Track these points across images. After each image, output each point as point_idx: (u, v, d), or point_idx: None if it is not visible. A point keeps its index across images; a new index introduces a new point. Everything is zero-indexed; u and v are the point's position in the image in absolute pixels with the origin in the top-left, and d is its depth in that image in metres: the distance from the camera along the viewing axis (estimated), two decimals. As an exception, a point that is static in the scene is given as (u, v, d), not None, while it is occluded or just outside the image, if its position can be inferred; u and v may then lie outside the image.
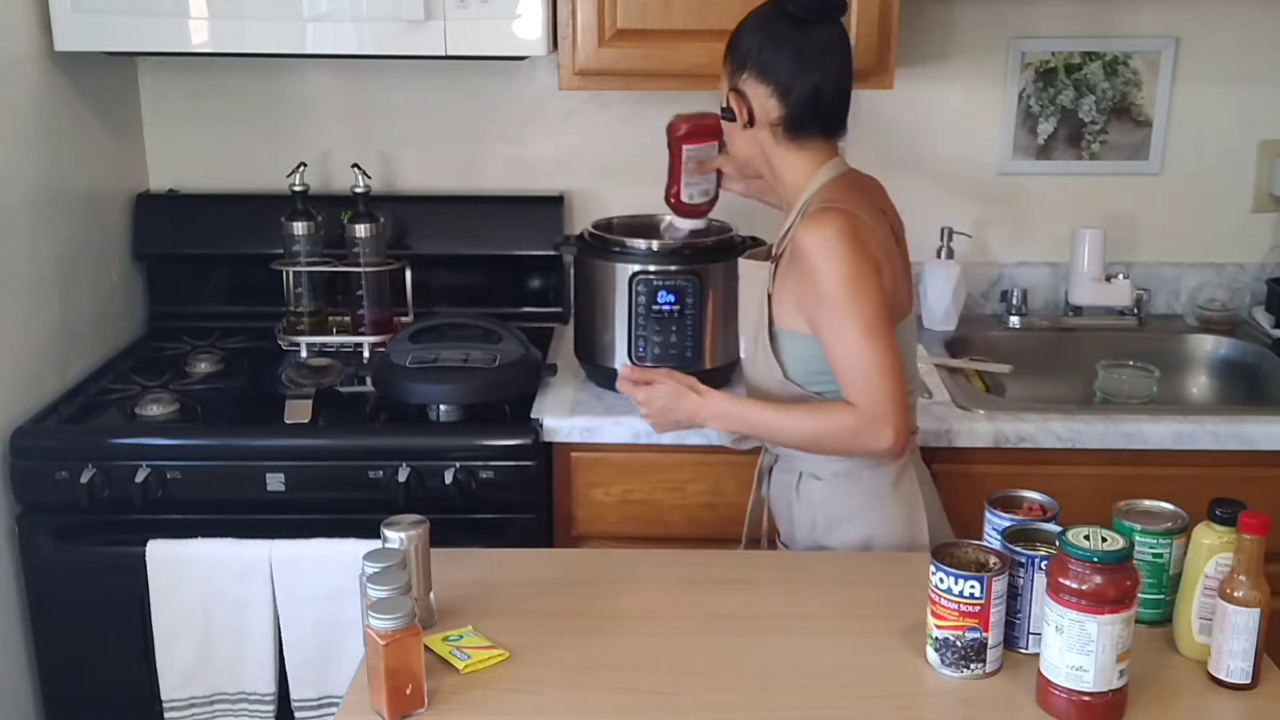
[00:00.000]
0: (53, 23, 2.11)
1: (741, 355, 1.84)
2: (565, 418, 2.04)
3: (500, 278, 2.55)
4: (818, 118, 1.68)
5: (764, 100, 1.68)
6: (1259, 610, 1.31)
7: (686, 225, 2.07)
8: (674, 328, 2.07)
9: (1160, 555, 1.42)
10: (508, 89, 2.54)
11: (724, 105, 1.73)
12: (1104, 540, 1.25)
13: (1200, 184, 2.56)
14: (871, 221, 1.66)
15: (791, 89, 1.66)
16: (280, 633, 1.95)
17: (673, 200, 2.03)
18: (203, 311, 2.55)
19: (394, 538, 1.41)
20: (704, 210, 2.06)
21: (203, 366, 2.27)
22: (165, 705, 1.99)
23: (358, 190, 2.36)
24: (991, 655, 1.34)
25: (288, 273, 2.38)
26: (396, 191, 2.58)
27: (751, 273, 1.78)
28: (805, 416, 1.66)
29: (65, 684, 2.08)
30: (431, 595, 1.46)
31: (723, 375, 2.15)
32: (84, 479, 1.96)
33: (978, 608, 1.31)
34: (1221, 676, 1.33)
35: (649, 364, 2.10)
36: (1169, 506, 1.45)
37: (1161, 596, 1.43)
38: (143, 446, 2.01)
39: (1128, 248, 2.56)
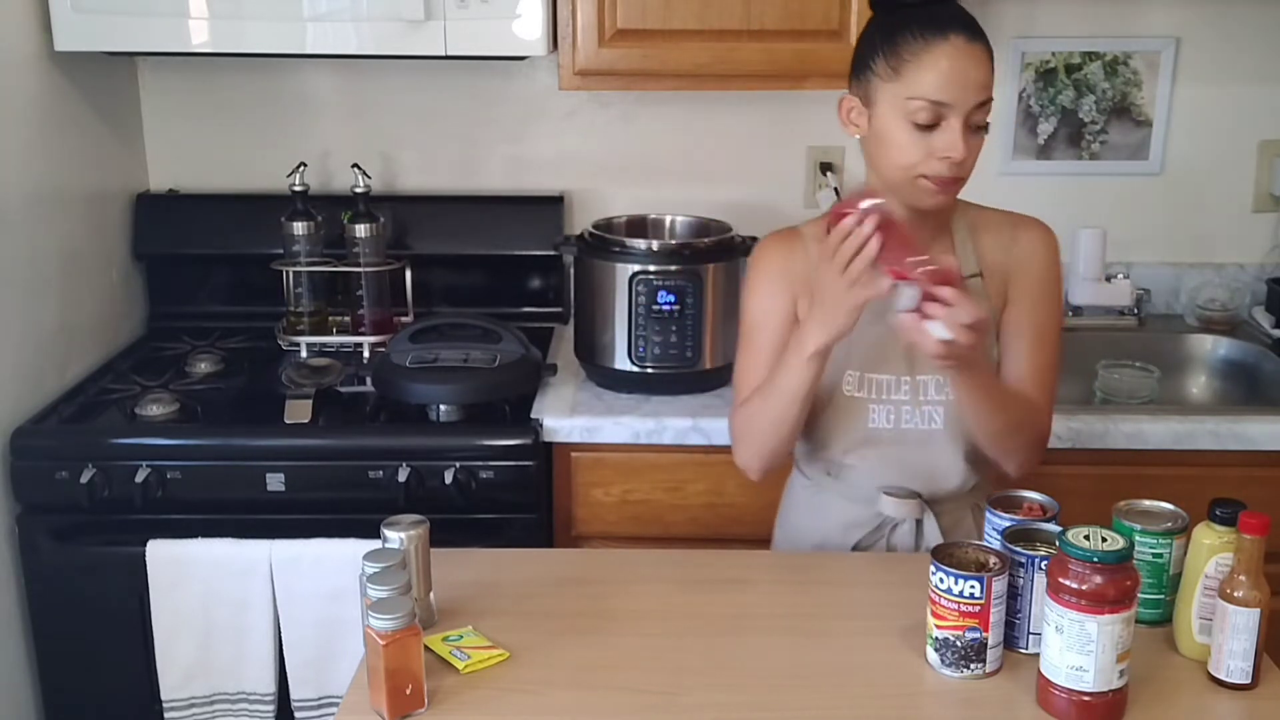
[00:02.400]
0: (53, 23, 2.11)
1: (952, 397, 1.61)
2: (565, 418, 2.04)
3: (500, 278, 2.55)
4: None
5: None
6: (1259, 610, 1.31)
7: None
8: (674, 328, 2.07)
9: (1160, 555, 1.42)
10: (508, 89, 2.54)
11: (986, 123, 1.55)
12: (1104, 540, 1.25)
13: (1200, 184, 2.56)
14: None
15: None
16: (280, 633, 1.96)
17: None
18: (203, 311, 2.55)
19: (394, 538, 1.41)
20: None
21: (203, 366, 2.27)
22: (165, 705, 2.00)
23: (358, 190, 2.36)
24: (991, 655, 1.34)
25: (288, 273, 2.38)
26: (396, 191, 2.58)
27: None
28: (1020, 400, 1.59)
29: (65, 684, 2.08)
30: (431, 595, 1.46)
31: (722, 375, 2.15)
32: (84, 479, 1.96)
33: (978, 608, 1.31)
34: (1221, 676, 1.33)
35: (650, 366, 2.10)
36: (1169, 506, 1.45)
37: (1161, 596, 1.43)
38: (143, 446, 2.01)
39: (1128, 248, 2.56)
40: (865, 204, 1.44)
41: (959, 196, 1.58)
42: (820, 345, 1.51)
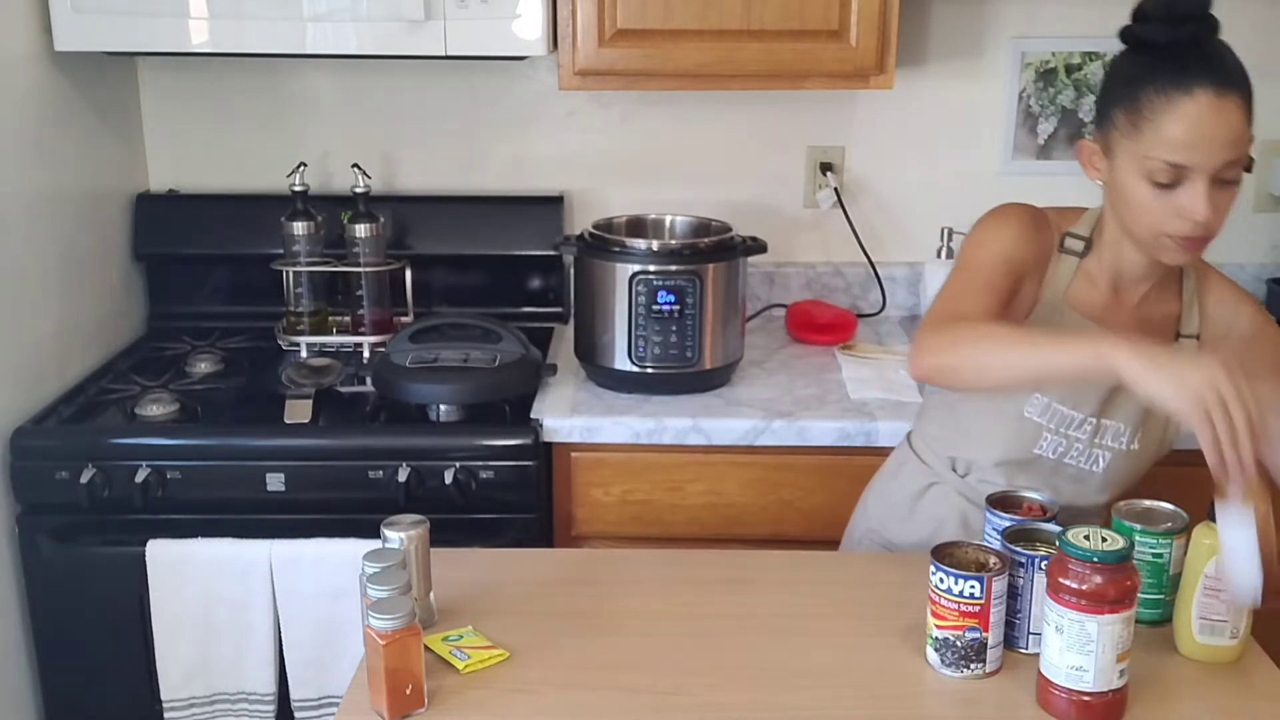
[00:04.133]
0: (53, 23, 2.11)
1: (1132, 447, 1.60)
2: (565, 418, 2.04)
3: (500, 278, 2.55)
4: None
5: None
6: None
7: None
8: (674, 328, 2.07)
9: (1160, 555, 1.42)
10: (508, 89, 2.54)
11: (1252, 159, 1.48)
12: (1104, 540, 1.25)
13: (1200, 184, 2.56)
14: None
15: None
16: (280, 633, 1.95)
17: None
18: (203, 311, 2.55)
19: (394, 538, 1.41)
20: None
21: (203, 366, 2.27)
22: (165, 705, 1.99)
23: (358, 190, 2.36)
24: (991, 655, 1.34)
25: (288, 273, 2.38)
26: (396, 191, 2.58)
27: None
28: None
29: (65, 684, 2.08)
30: (431, 595, 1.46)
31: (722, 375, 2.16)
32: (84, 479, 1.96)
33: (978, 608, 1.31)
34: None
35: (650, 366, 2.10)
36: (1169, 506, 1.45)
37: (1161, 596, 1.43)
38: (143, 446, 2.01)
39: (1128, 248, 2.56)
40: None
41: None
42: (1118, 368, 1.30)
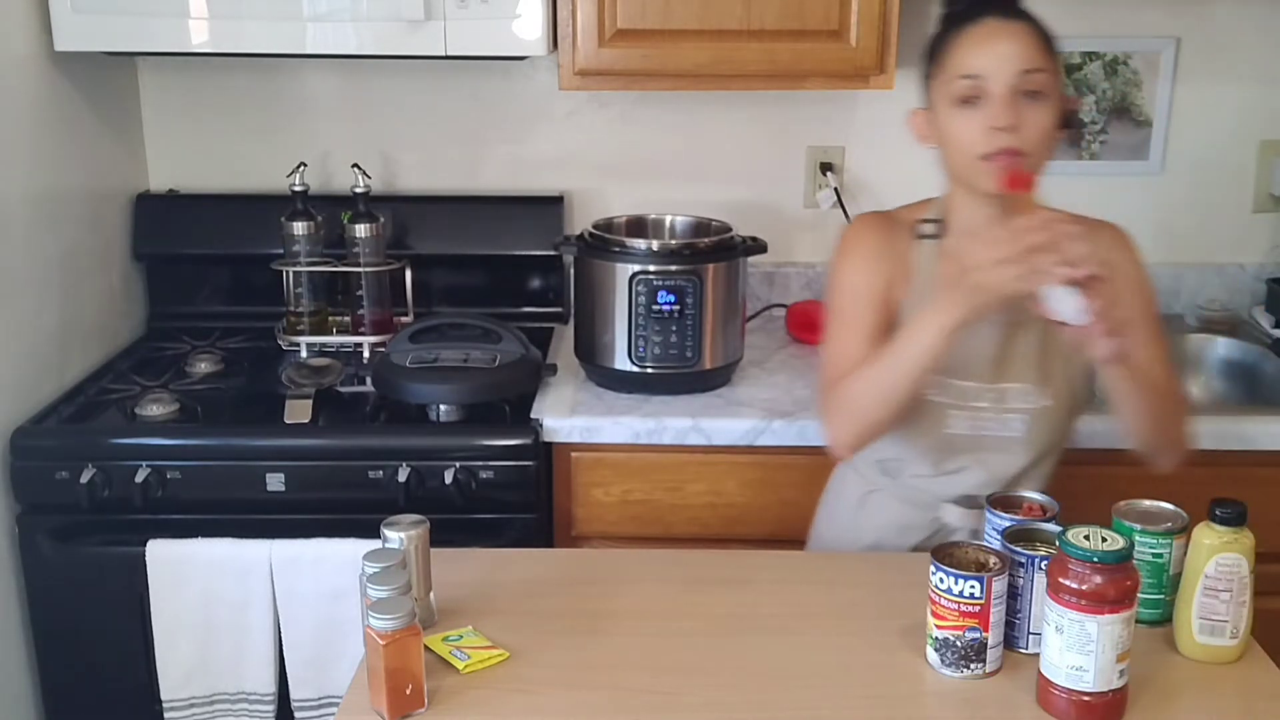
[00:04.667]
0: (53, 23, 2.11)
1: (1044, 403, 1.63)
2: (565, 418, 2.04)
3: (500, 278, 2.55)
4: None
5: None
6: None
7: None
8: (674, 328, 2.07)
9: (1160, 555, 1.42)
10: (508, 89, 2.54)
11: (1071, 107, 1.58)
12: (1104, 540, 1.25)
13: (1200, 184, 2.56)
14: None
15: None
16: (280, 633, 1.95)
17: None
18: (203, 311, 2.55)
19: (394, 538, 1.41)
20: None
21: (203, 366, 2.27)
22: (165, 705, 1.99)
23: (358, 190, 2.36)
24: (991, 655, 1.34)
25: (288, 273, 2.38)
26: (396, 191, 2.58)
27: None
28: (1168, 382, 1.58)
29: (65, 684, 2.08)
30: (431, 595, 1.46)
31: (722, 375, 2.15)
32: (84, 479, 1.96)
33: (978, 608, 1.31)
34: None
35: (650, 366, 2.10)
36: (1169, 506, 1.45)
37: (1161, 596, 1.43)
38: (143, 446, 2.01)
39: (1128, 248, 2.56)
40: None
41: (1043, 205, 1.54)
42: (958, 320, 1.45)
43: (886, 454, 1.68)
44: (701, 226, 2.25)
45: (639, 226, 2.28)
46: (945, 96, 1.54)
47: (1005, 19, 1.53)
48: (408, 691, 1.28)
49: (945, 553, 1.35)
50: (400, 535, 1.41)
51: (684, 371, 2.11)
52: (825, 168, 2.55)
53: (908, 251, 1.64)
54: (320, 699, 1.98)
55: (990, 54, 1.50)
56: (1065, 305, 1.40)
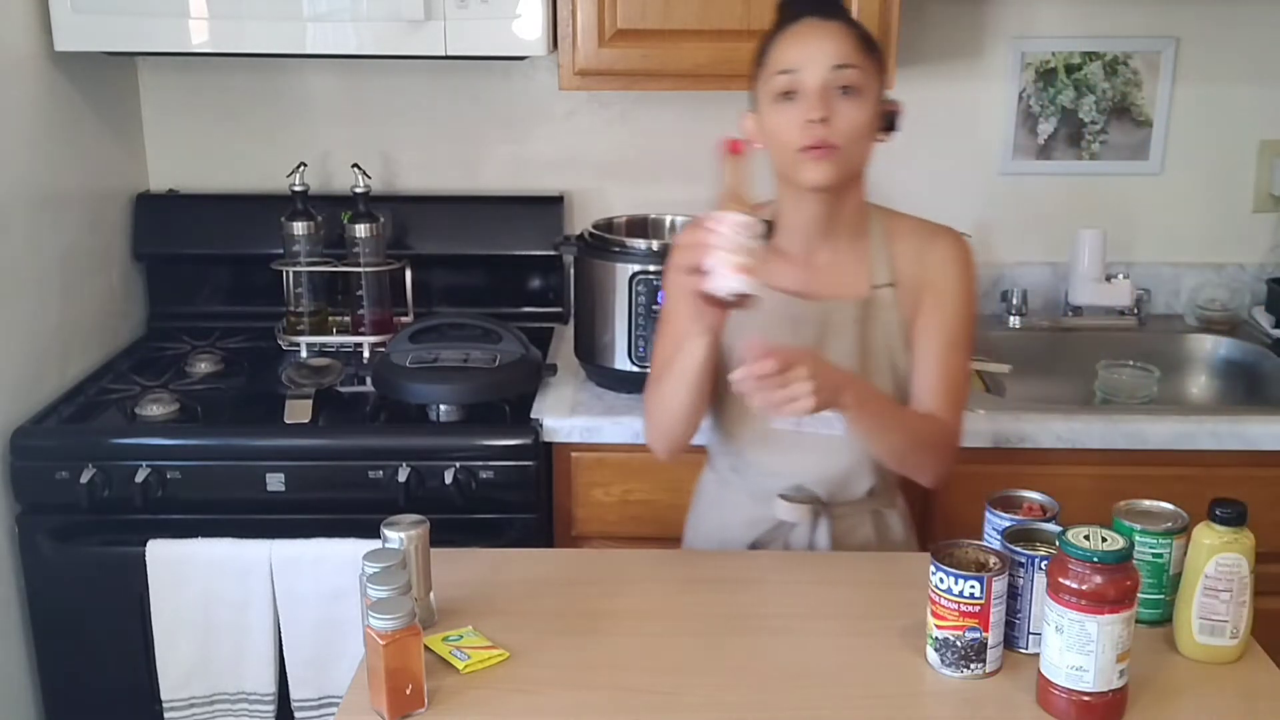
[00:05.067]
0: (53, 23, 2.11)
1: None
2: (565, 418, 2.04)
3: (500, 278, 2.55)
4: None
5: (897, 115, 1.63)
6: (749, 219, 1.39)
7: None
8: (674, 328, 2.07)
9: (1160, 555, 1.42)
10: (508, 89, 2.54)
11: (891, 110, 1.61)
12: (1104, 540, 1.25)
13: (1200, 184, 2.56)
14: None
15: None
16: (280, 633, 1.95)
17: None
18: (203, 311, 2.55)
19: (394, 538, 1.41)
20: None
21: (203, 366, 2.27)
22: (165, 705, 1.99)
23: (358, 190, 2.36)
24: (991, 655, 1.34)
25: (288, 273, 2.38)
26: (396, 191, 2.58)
27: (879, 309, 1.62)
28: (918, 417, 1.60)
29: (65, 684, 2.08)
30: (431, 595, 1.46)
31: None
32: (84, 479, 1.96)
33: (978, 608, 1.31)
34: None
35: (650, 366, 2.10)
36: (1169, 506, 1.45)
37: (1161, 596, 1.43)
38: (143, 446, 2.01)
39: (1128, 248, 2.56)
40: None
41: (877, 203, 1.62)
42: (697, 330, 1.51)
43: (729, 451, 1.72)
44: (701, 226, 2.24)
45: (639, 226, 2.28)
46: (766, 94, 1.57)
47: (823, 19, 1.56)
48: (408, 691, 1.28)
49: (945, 553, 1.35)
50: (400, 535, 1.41)
51: (684, 371, 2.10)
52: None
53: None
54: (320, 699, 1.98)
55: (805, 49, 1.54)
56: (721, 282, 1.41)
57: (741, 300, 1.41)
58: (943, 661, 1.35)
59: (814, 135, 1.52)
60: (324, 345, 2.40)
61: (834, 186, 1.57)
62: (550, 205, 2.52)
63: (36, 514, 2.02)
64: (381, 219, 2.39)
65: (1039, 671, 1.29)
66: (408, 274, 2.39)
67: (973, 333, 1.66)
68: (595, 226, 2.18)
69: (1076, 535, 1.25)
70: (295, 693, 1.98)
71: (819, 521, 1.68)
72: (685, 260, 1.44)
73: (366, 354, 2.35)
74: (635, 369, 2.11)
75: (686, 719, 1.30)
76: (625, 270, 2.07)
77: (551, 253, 2.43)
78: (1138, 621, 1.29)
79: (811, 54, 1.53)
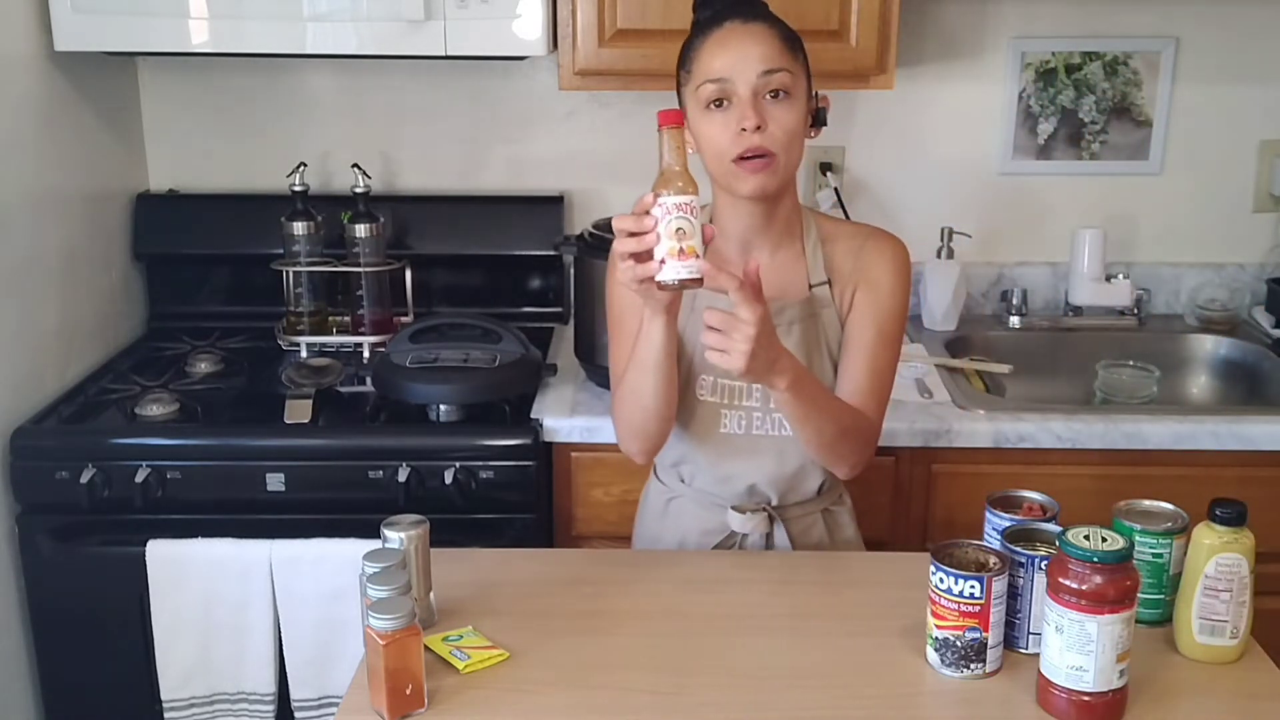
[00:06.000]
0: (53, 23, 2.11)
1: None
2: (565, 418, 2.04)
3: (500, 278, 2.55)
4: None
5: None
6: (689, 197, 1.35)
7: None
8: (674, 328, 2.07)
9: (1160, 555, 1.42)
10: (508, 89, 2.54)
11: (819, 105, 1.59)
12: (1104, 540, 1.25)
13: (1200, 184, 2.56)
14: None
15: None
16: (280, 633, 1.95)
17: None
18: (203, 311, 2.55)
19: (394, 538, 1.41)
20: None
21: (203, 366, 2.27)
22: (165, 705, 1.99)
23: (358, 190, 2.36)
24: (991, 655, 1.34)
25: (288, 273, 2.38)
26: (396, 191, 2.58)
27: (819, 308, 1.62)
28: (845, 406, 1.59)
29: (65, 684, 2.08)
30: (431, 595, 1.46)
31: (723, 375, 2.15)
32: (84, 479, 1.96)
33: (978, 608, 1.31)
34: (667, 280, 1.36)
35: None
36: (1169, 506, 1.45)
37: (1161, 596, 1.43)
38: (143, 446, 2.01)
39: (1128, 248, 2.56)
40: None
41: (810, 209, 1.63)
42: (650, 316, 1.49)
43: (677, 459, 1.70)
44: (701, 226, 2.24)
45: (639, 226, 2.28)
46: (695, 101, 1.53)
47: (745, 21, 1.53)
48: (408, 691, 1.28)
49: (945, 553, 1.35)
50: (400, 535, 1.41)
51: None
52: (825, 168, 2.54)
53: None
54: (320, 699, 1.98)
55: (731, 56, 1.51)
56: (669, 272, 1.37)
57: (690, 283, 1.38)
58: (943, 661, 1.35)
59: (748, 144, 1.49)
60: (324, 345, 2.40)
61: (770, 195, 1.56)
62: (550, 205, 2.52)
63: (36, 514, 2.02)
64: (381, 219, 2.39)
65: (1039, 671, 1.29)
66: (408, 274, 2.39)
67: (902, 330, 1.65)
68: (595, 226, 2.18)
69: (1076, 535, 1.25)
70: (295, 693, 1.98)
71: (774, 528, 1.68)
72: (627, 249, 1.39)
73: (366, 354, 2.35)
74: (635, 369, 2.10)
75: (686, 719, 1.30)
76: (625, 270, 2.07)
77: (551, 253, 2.43)
78: (1138, 621, 1.29)
79: (739, 60, 1.50)
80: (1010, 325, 2.52)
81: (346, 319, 2.45)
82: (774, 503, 1.68)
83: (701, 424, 1.65)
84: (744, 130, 1.49)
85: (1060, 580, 1.25)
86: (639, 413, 1.60)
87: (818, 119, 1.59)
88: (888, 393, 1.65)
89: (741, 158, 1.50)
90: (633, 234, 1.38)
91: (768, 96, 1.50)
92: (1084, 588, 1.23)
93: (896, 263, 1.63)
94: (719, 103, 1.51)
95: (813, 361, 1.62)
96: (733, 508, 1.67)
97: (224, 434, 2.04)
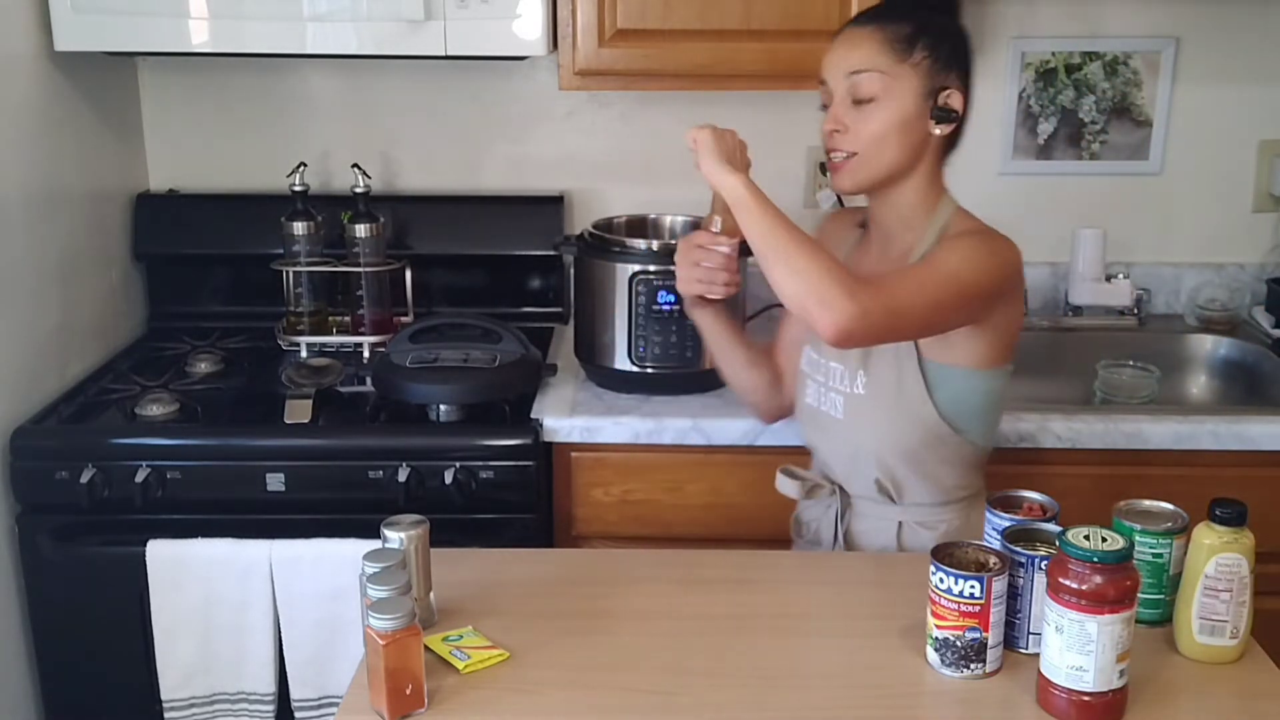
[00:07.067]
0: (53, 23, 2.11)
1: (857, 390, 1.64)
2: (565, 418, 2.04)
3: (500, 278, 2.55)
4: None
5: (960, 103, 1.59)
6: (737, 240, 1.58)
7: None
8: (674, 328, 2.07)
9: (1160, 555, 1.42)
10: (508, 89, 2.54)
11: (939, 104, 1.57)
12: (1104, 540, 1.25)
13: (1200, 184, 2.56)
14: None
15: (971, 90, 1.61)
16: (280, 633, 1.95)
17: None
18: (203, 311, 2.55)
19: (394, 538, 1.41)
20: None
21: (203, 366, 2.27)
22: (165, 705, 1.99)
23: (358, 190, 2.36)
24: (991, 655, 1.34)
25: (288, 273, 2.38)
26: (396, 191, 2.58)
27: None
28: (807, 240, 1.52)
29: (65, 684, 2.08)
30: (431, 595, 1.46)
31: (723, 375, 2.15)
32: (84, 479, 1.96)
33: (978, 608, 1.31)
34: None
35: (650, 366, 2.10)
36: (1169, 506, 1.45)
37: (1161, 596, 1.43)
38: (143, 446, 2.01)
39: (1128, 248, 2.56)
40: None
41: (957, 209, 1.64)
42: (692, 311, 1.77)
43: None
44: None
45: (639, 226, 2.28)
46: None
47: (860, 24, 1.59)
48: (408, 691, 1.28)
49: (945, 553, 1.35)
50: (400, 535, 1.41)
51: (684, 371, 2.11)
52: (825, 168, 2.53)
53: (847, 241, 1.77)
54: (320, 699, 1.98)
55: (829, 60, 1.60)
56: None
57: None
58: (943, 661, 1.35)
59: (829, 144, 1.61)
60: (324, 345, 2.40)
61: (862, 190, 1.63)
62: (550, 205, 2.52)
63: (36, 514, 2.02)
64: (381, 219, 2.39)
65: (1039, 671, 1.29)
66: (408, 274, 2.39)
67: (957, 269, 1.53)
68: (595, 226, 2.18)
69: (1076, 535, 1.25)
70: (295, 693, 1.98)
71: (840, 520, 1.70)
72: (684, 274, 1.71)
73: (366, 354, 2.35)
74: (635, 369, 2.11)
75: (686, 719, 1.30)
76: (625, 270, 2.07)
77: (551, 253, 2.43)
78: (1138, 621, 1.29)
79: (832, 64, 1.59)
80: (1010, 325, 2.52)
81: (346, 319, 2.45)
82: (844, 488, 1.70)
83: (799, 393, 1.75)
84: (829, 131, 1.61)
85: (1060, 580, 1.25)
86: (735, 388, 1.86)
87: (940, 115, 1.58)
88: (898, 298, 1.50)
89: (830, 157, 1.63)
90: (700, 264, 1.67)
91: (853, 99, 1.57)
92: (1084, 588, 1.23)
93: (979, 236, 1.59)
94: (825, 105, 1.62)
95: (871, 357, 1.62)
96: (781, 470, 1.71)
97: (224, 434, 2.04)
